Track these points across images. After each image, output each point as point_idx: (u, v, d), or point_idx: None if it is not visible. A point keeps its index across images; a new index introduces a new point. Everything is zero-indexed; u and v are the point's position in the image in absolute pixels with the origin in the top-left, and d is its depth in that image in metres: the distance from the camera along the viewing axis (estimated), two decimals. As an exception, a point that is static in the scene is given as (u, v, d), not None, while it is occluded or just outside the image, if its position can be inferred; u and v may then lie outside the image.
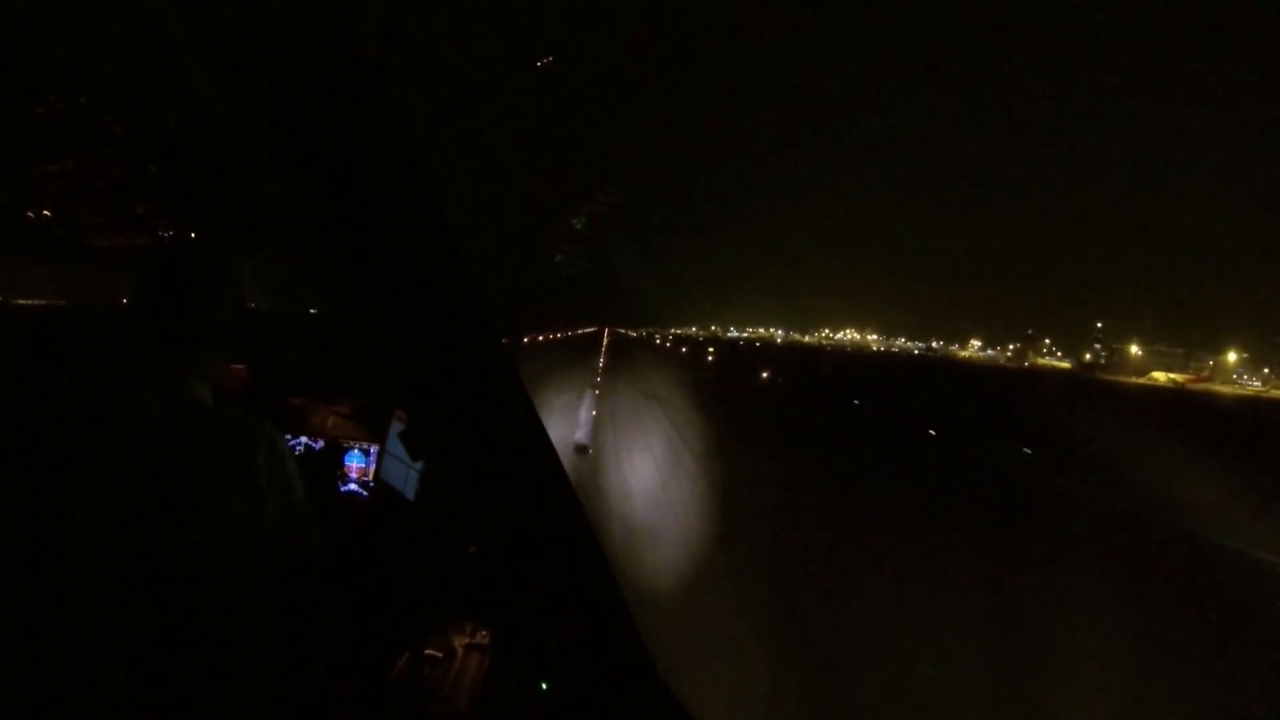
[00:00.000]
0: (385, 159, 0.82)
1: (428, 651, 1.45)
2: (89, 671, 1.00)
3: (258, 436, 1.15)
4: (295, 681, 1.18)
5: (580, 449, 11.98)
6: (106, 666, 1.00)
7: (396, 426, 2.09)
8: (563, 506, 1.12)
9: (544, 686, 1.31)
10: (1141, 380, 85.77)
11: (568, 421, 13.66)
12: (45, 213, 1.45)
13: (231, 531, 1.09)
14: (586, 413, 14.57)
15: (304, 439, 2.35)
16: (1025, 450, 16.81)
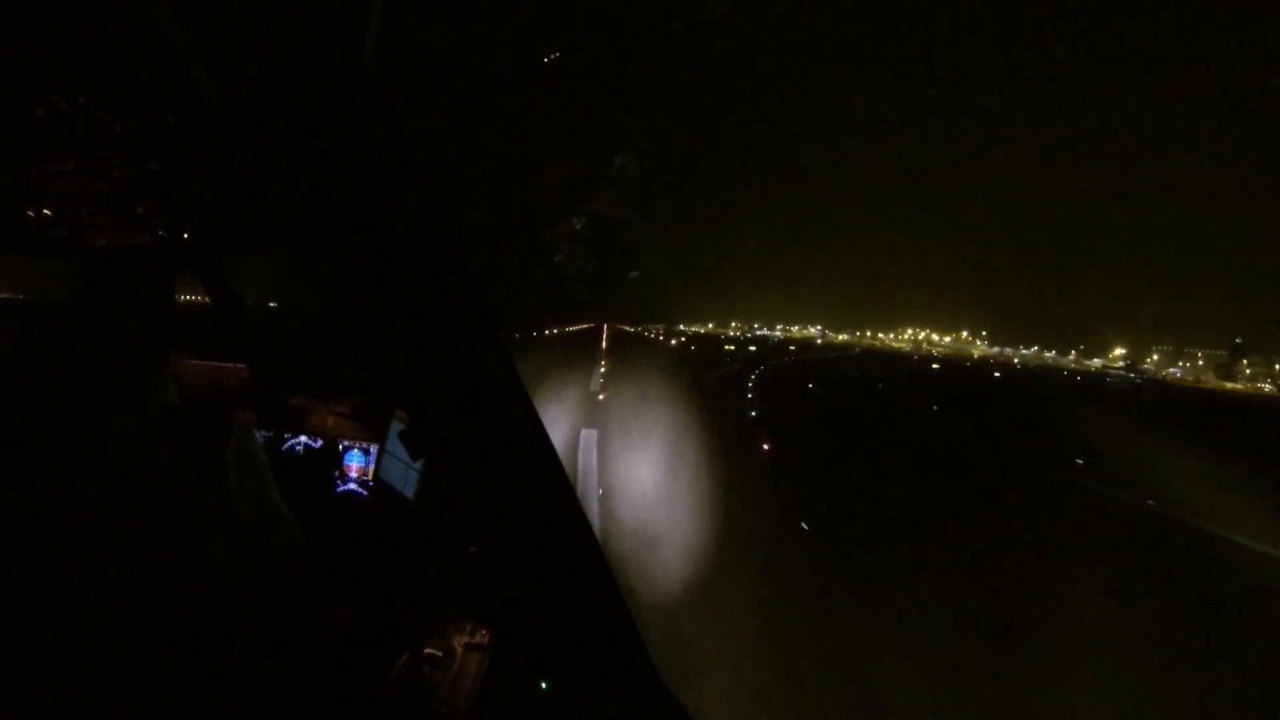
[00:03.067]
0: (386, 158, 0.82)
1: (428, 651, 1.45)
2: (79, 672, 1.00)
3: (225, 435, 1.14)
4: (295, 681, 1.18)
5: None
6: (100, 667, 1.00)
7: (396, 426, 2.09)
8: (563, 506, 1.12)
9: (544, 686, 1.31)
10: None
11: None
12: (45, 212, 1.45)
13: (205, 530, 1.08)
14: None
15: (304, 439, 2.35)
16: None
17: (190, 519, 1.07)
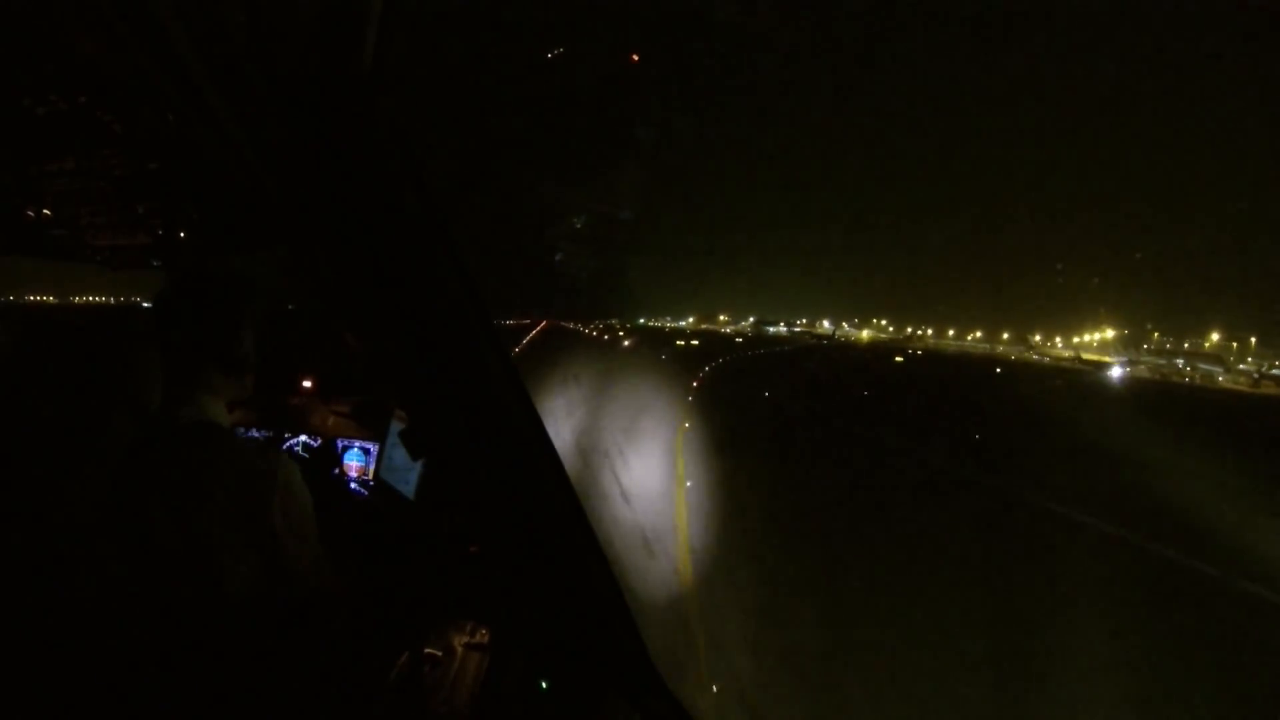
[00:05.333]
0: (385, 158, 0.82)
1: (428, 651, 1.45)
2: (85, 673, 1.00)
3: (276, 471, 1.15)
4: (294, 681, 1.18)
5: None
6: (101, 665, 1.00)
7: (396, 426, 2.09)
8: (563, 506, 1.12)
9: (544, 686, 1.31)
10: None
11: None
12: (45, 212, 1.45)
13: (217, 537, 1.08)
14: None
15: (304, 438, 2.35)
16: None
17: (196, 524, 1.07)
